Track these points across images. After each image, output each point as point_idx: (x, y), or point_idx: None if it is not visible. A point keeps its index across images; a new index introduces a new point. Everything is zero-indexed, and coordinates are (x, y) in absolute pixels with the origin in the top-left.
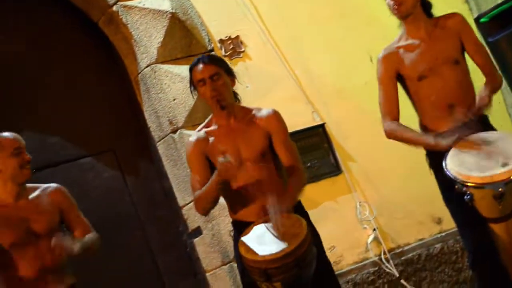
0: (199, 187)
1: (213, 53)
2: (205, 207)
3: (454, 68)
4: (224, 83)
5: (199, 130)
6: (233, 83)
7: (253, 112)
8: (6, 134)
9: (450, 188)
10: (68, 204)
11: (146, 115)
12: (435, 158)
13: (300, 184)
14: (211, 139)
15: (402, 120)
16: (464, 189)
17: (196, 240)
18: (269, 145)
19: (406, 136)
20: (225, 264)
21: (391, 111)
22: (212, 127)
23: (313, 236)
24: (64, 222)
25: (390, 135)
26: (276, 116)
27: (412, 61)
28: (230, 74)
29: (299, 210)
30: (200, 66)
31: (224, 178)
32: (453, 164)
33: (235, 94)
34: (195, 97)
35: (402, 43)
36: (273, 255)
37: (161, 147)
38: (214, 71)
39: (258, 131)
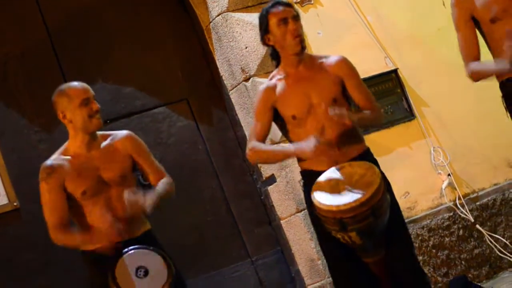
0: (256, 137)
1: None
2: (260, 162)
3: None
4: (302, 27)
5: (270, 79)
6: None
7: (321, 59)
8: (74, 83)
9: None
10: (139, 149)
11: (218, 63)
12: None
13: (375, 116)
14: (280, 86)
15: None
16: None
17: (270, 187)
18: (341, 91)
19: (488, 71)
20: (300, 211)
21: (470, 54)
22: (281, 75)
23: (386, 183)
24: (138, 168)
25: (474, 76)
26: (346, 61)
27: (484, 3)
28: None
29: (369, 157)
30: (281, 7)
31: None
32: None
33: None
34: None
35: None
36: (348, 204)
37: (233, 96)
38: (296, 12)
39: (329, 76)
